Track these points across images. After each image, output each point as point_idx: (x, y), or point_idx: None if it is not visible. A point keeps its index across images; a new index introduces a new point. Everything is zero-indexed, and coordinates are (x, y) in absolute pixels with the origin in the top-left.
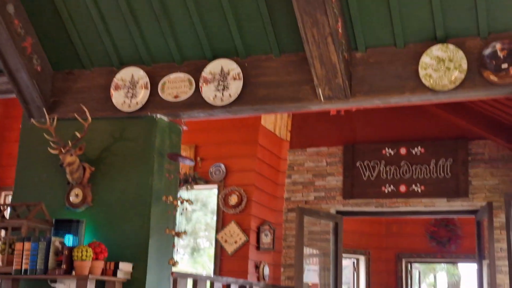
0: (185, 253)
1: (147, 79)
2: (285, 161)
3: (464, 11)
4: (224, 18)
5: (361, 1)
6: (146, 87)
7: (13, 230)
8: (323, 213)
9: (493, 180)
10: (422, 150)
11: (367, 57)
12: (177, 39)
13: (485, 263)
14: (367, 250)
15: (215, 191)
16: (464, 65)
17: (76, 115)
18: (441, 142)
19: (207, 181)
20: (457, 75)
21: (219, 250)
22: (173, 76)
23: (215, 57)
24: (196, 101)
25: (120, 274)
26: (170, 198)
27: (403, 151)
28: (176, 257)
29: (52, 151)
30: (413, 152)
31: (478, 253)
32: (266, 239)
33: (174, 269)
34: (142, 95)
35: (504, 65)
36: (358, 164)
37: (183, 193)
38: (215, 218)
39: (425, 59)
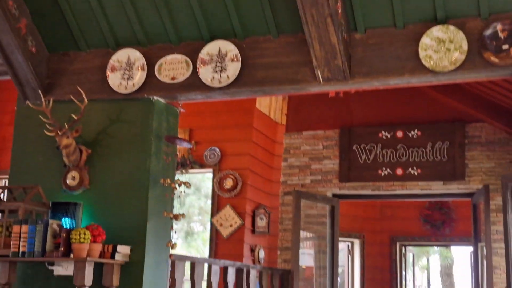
0: (179, 237)
1: (143, 61)
2: (280, 145)
3: None
4: None
5: None
6: (142, 69)
7: (10, 212)
8: (320, 196)
9: (489, 163)
10: (419, 133)
11: (366, 38)
12: (174, 19)
13: (480, 245)
14: (362, 233)
15: (209, 175)
16: (465, 46)
17: (72, 97)
18: (438, 125)
19: (202, 165)
20: (458, 56)
21: (214, 233)
22: (170, 57)
23: (212, 38)
24: (194, 83)
25: (118, 257)
26: (168, 181)
27: (399, 134)
28: (174, 239)
29: (48, 134)
30: (410, 135)
31: (474, 236)
32: (261, 222)
33: (172, 251)
34: (139, 76)
35: (505, 46)
36: (354, 147)
37: (179, 177)
38: (208, 202)
39: (425, 40)
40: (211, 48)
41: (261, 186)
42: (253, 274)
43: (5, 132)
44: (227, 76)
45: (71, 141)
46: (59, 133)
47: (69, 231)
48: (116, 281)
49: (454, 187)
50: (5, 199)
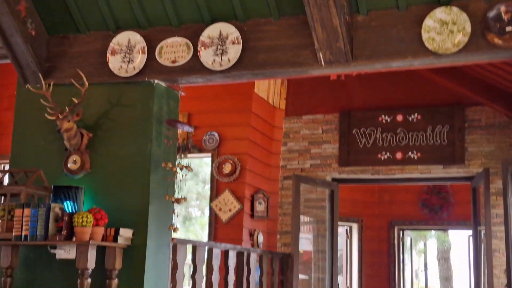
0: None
1: (144, 44)
2: (279, 130)
3: None
4: None
5: None
6: (143, 52)
7: (12, 196)
8: (319, 180)
9: (489, 147)
10: (419, 117)
11: (369, 20)
12: (175, 2)
13: (479, 229)
14: (360, 217)
15: (206, 160)
16: (468, 28)
17: (72, 81)
18: (438, 109)
19: (200, 150)
20: (461, 38)
21: (214, 218)
22: (170, 40)
23: (213, 20)
24: (194, 66)
25: (120, 240)
26: (169, 165)
27: (399, 118)
28: (176, 223)
29: (49, 117)
30: (410, 119)
31: (473, 219)
32: (260, 207)
33: (174, 235)
34: (139, 60)
35: (509, 28)
36: (354, 131)
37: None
38: (206, 187)
39: (428, 22)
40: (212, 31)
41: (260, 170)
42: (254, 257)
43: (3, 117)
44: (228, 59)
45: (72, 124)
46: (60, 116)
47: (71, 215)
48: (118, 264)
49: (454, 171)
50: (6, 183)
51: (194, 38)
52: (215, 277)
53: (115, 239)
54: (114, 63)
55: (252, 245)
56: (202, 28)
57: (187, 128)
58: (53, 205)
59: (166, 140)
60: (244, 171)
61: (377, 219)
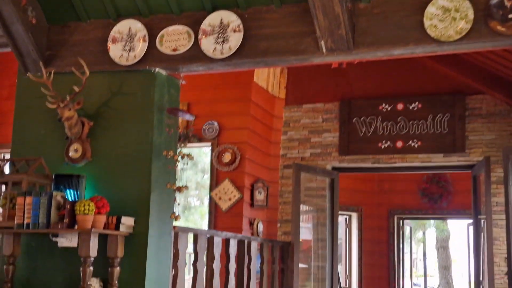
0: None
1: (145, 32)
2: (278, 119)
3: None
4: None
5: None
6: (144, 40)
7: (13, 185)
8: (320, 169)
9: (490, 135)
10: (419, 106)
11: (371, 8)
12: None
13: (480, 217)
14: (360, 206)
15: (205, 149)
16: (471, 15)
17: (73, 69)
18: (439, 97)
19: (200, 139)
20: (463, 26)
21: (213, 207)
22: (171, 28)
23: (214, 8)
24: (195, 54)
25: (122, 228)
26: (171, 153)
27: (400, 106)
28: (178, 211)
29: (50, 106)
30: (410, 108)
31: (474, 208)
32: (259, 196)
33: (175, 223)
34: (140, 48)
35: (511, 15)
36: (354, 120)
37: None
38: (205, 177)
39: (430, 9)
40: (213, 19)
41: (260, 160)
42: (254, 246)
43: (3, 106)
44: (229, 47)
45: (73, 113)
46: (61, 105)
47: (73, 203)
48: (120, 252)
49: (454, 160)
50: (7, 172)
51: (195, 26)
52: (216, 265)
53: (117, 227)
54: (115, 51)
55: (252, 234)
56: (203, 16)
57: (188, 117)
58: (55, 193)
59: (167, 128)
60: (244, 160)
61: (376, 208)
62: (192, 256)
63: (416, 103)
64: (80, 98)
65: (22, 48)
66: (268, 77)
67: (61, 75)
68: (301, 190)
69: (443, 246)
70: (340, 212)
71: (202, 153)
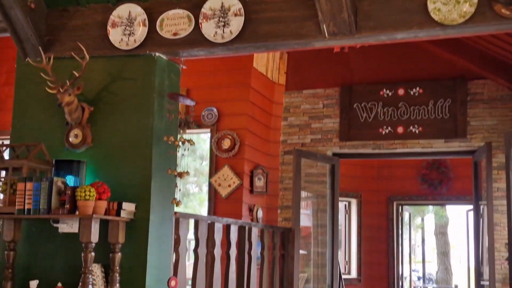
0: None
1: (145, 16)
2: (277, 105)
3: None
4: None
5: None
6: (144, 24)
7: (13, 170)
8: (320, 155)
9: (491, 120)
10: (421, 91)
11: None
12: None
13: (481, 203)
14: (359, 193)
15: (204, 136)
16: None
17: (73, 54)
18: (440, 83)
19: (199, 125)
20: (467, 9)
21: (213, 193)
22: (171, 12)
23: None
24: (196, 39)
25: (123, 214)
26: (172, 138)
27: (401, 92)
28: (178, 197)
29: (49, 91)
30: (411, 93)
31: (475, 193)
32: (259, 182)
33: (176, 209)
34: (140, 32)
35: None
36: (355, 105)
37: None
38: (204, 163)
39: None
40: (213, 3)
41: (259, 146)
42: (255, 232)
43: (1, 92)
44: (230, 31)
45: (73, 98)
46: (61, 90)
47: (74, 189)
48: (121, 238)
49: (456, 145)
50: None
51: (195, 10)
52: (217, 251)
53: (118, 213)
54: (115, 36)
55: (252, 220)
56: (203, 0)
57: (189, 102)
58: (55, 179)
59: (168, 114)
60: (243, 147)
61: (376, 194)
62: (191, 242)
63: (417, 88)
64: (80, 83)
65: (21, 33)
66: (268, 63)
67: (60, 60)
68: (302, 176)
69: (441, 232)
70: (339, 199)
71: (200, 139)
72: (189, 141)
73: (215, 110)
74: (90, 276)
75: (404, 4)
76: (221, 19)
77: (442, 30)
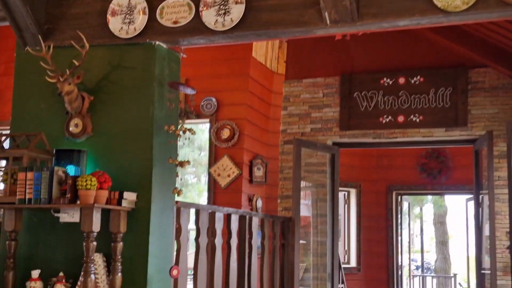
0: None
1: (145, 4)
2: (276, 95)
3: None
4: None
5: None
6: (144, 13)
7: (14, 160)
8: (320, 144)
9: (492, 109)
10: (421, 79)
11: None
12: None
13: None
14: (358, 182)
15: (202, 126)
16: None
17: (73, 42)
18: (441, 71)
19: (198, 115)
20: None
21: (212, 183)
22: (171, 0)
23: None
24: (196, 27)
25: (125, 203)
26: (172, 128)
27: (401, 80)
28: (179, 186)
29: (49, 80)
30: (412, 82)
31: (475, 182)
32: (258, 172)
33: (177, 198)
34: (140, 21)
35: None
36: (355, 94)
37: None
38: (202, 154)
39: None
40: None
41: (258, 136)
42: (255, 221)
43: None
44: (231, 19)
45: (73, 87)
46: (61, 79)
47: (75, 178)
48: (123, 227)
49: (456, 134)
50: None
51: None
52: (218, 241)
53: (119, 202)
54: (115, 24)
55: (251, 210)
56: None
57: (190, 91)
58: (56, 168)
59: (169, 103)
60: (243, 137)
61: (375, 184)
62: (191, 232)
63: (418, 77)
64: (80, 72)
65: (20, 22)
66: (267, 52)
67: (60, 49)
68: (301, 166)
69: (440, 222)
70: (339, 188)
71: (198, 130)
72: (190, 130)
73: (214, 100)
74: (91, 265)
75: None
76: (221, 7)
77: (445, 17)
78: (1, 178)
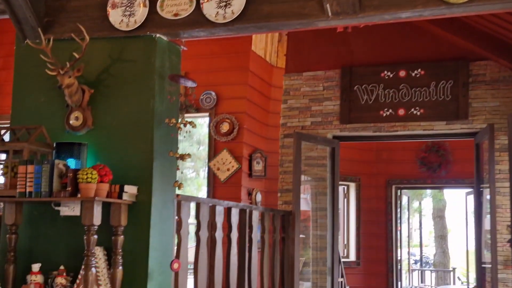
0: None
1: None
2: (276, 88)
3: None
4: None
5: None
6: (144, 5)
7: (14, 153)
8: (320, 138)
9: (493, 102)
10: (422, 72)
11: None
12: None
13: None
14: (358, 176)
15: (201, 120)
16: None
17: (73, 35)
18: (442, 64)
19: (197, 109)
20: None
21: (212, 177)
22: None
23: None
24: (197, 19)
25: (125, 197)
26: (173, 121)
27: (402, 73)
28: (180, 179)
29: (49, 73)
30: (413, 75)
31: (476, 176)
32: (258, 166)
33: (178, 191)
34: (141, 13)
35: None
36: (355, 87)
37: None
38: (201, 148)
39: None
40: None
41: (258, 130)
42: (256, 215)
43: None
44: (232, 12)
45: (73, 80)
46: (61, 72)
47: (76, 171)
48: (124, 220)
49: (457, 127)
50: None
51: None
52: (219, 234)
53: (120, 196)
54: (115, 16)
55: (251, 204)
56: None
57: (190, 83)
58: (57, 161)
59: (169, 96)
60: (242, 131)
61: (374, 178)
62: (191, 225)
63: (419, 70)
64: (80, 65)
65: (20, 14)
66: (266, 46)
67: (60, 42)
68: (301, 159)
69: (439, 216)
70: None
71: (197, 124)
72: (191, 123)
73: (213, 94)
74: (92, 258)
75: None
76: None
77: (448, 8)
78: (2, 171)
